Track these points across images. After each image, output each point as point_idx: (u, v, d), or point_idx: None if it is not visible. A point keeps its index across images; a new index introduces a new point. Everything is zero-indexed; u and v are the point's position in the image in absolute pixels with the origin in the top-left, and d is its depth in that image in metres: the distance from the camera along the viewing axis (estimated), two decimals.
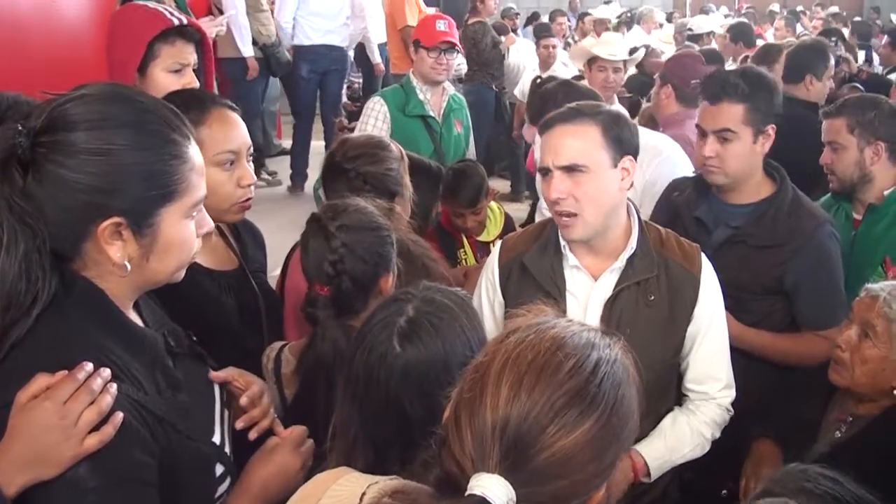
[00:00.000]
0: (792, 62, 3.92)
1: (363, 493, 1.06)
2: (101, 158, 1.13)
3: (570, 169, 1.81)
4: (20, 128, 1.12)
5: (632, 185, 1.91)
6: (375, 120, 3.52)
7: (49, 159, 1.12)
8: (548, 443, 0.87)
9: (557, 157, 1.82)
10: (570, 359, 0.91)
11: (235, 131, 1.79)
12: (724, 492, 2.19)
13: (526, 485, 0.86)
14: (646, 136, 2.76)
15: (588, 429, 0.89)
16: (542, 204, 3.07)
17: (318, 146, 6.93)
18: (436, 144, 3.60)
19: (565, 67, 5.93)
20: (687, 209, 2.47)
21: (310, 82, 6.61)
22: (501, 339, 0.96)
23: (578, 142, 1.81)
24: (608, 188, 1.84)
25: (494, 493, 0.84)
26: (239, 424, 1.40)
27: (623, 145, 1.85)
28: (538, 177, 1.94)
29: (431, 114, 3.59)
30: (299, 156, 6.68)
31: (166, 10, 2.17)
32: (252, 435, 1.41)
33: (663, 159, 2.90)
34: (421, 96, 3.57)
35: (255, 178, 1.84)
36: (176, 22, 2.13)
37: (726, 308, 2.05)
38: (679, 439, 1.97)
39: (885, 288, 1.86)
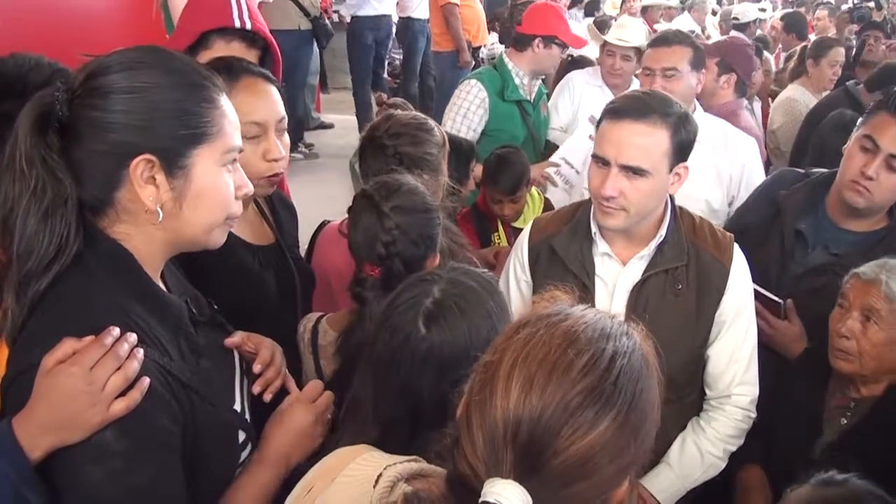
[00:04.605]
0: (884, 76, 4.04)
1: (379, 475, 1.04)
2: (133, 96, 1.14)
3: (633, 170, 1.76)
4: (60, 85, 1.14)
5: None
6: (470, 104, 3.45)
7: (84, 105, 1.14)
8: (563, 446, 0.82)
9: (622, 155, 1.76)
10: (583, 354, 0.85)
11: (263, 102, 1.71)
12: None
13: (543, 490, 0.82)
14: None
15: (605, 429, 0.84)
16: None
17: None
18: (529, 128, 3.58)
19: None
20: (792, 216, 2.25)
21: (371, 49, 7.30)
22: (511, 334, 0.90)
23: (648, 144, 1.75)
24: (660, 191, 1.82)
25: (510, 501, 0.80)
26: (256, 389, 1.40)
27: (683, 152, 1.81)
28: (590, 162, 1.84)
29: (528, 98, 3.57)
30: (365, 117, 6.95)
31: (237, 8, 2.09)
32: (266, 396, 1.41)
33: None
34: (518, 81, 3.53)
35: (284, 152, 1.74)
36: (237, 24, 2.08)
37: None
38: (690, 465, 1.94)
39: (880, 269, 1.83)
